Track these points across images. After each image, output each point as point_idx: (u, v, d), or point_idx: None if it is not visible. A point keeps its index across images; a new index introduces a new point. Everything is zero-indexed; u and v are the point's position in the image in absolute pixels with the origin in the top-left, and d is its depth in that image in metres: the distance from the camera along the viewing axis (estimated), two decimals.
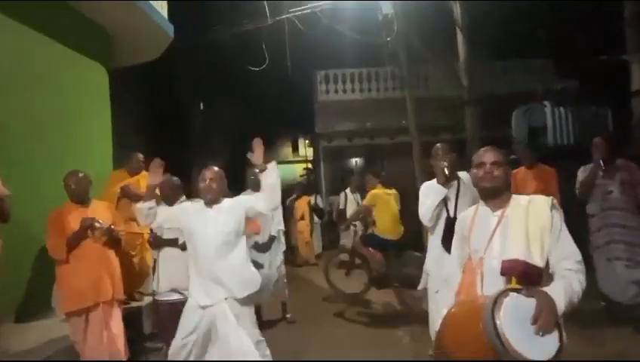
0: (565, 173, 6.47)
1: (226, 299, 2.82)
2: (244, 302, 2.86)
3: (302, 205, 8.89)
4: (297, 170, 26.71)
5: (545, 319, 1.59)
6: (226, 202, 2.97)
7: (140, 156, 4.72)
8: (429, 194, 3.21)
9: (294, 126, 24.60)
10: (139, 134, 9.98)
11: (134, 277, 4.38)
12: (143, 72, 10.52)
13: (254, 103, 21.74)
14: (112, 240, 3.39)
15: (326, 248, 9.26)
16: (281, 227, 4.94)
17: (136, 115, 10.35)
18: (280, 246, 4.97)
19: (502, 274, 1.79)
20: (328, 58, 10.97)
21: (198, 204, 3.00)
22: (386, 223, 5.38)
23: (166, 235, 3.65)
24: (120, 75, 5.91)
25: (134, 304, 4.41)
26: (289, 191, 10.56)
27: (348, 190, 8.19)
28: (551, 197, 1.92)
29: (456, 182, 3.21)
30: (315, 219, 9.22)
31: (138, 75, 10.29)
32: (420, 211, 3.27)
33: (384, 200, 5.44)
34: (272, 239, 4.79)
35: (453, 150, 3.24)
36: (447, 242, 3.14)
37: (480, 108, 7.23)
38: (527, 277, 1.75)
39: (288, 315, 5.08)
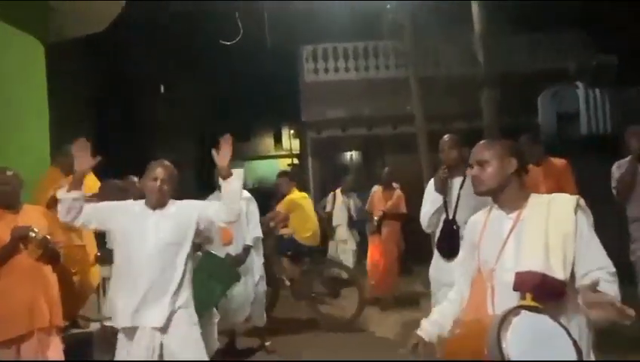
0: (601, 167, 6.56)
1: (157, 328, 2.76)
2: (185, 326, 2.82)
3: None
4: (281, 167, 26.79)
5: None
6: (173, 206, 2.92)
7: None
8: (429, 196, 3.48)
9: (276, 113, 24.59)
10: (84, 123, 9.89)
11: (76, 299, 4.33)
12: (89, 48, 10.47)
13: (227, 86, 21.68)
14: (49, 255, 3.34)
15: None
16: (259, 234, 4.93)
17: (82, 100, 10.25)
18: (258, 259, 4.97)
19: (515, 289, 1.78)
20: (317, 30, 10.98)
21: (138, 203, 2.96)
22: (305, 229, 5.96)
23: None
24: (60, 51, 5.85)
25: (77, 331, 4.38)
26: (270, 193, 10.55)
27: (338, 190, 8.21)
28: (577, 196, 1.91)
29: (462, 178, 3.40)
30: None
31: (83, 51, 10.23)
32: (420, 214, 3.56)
33: (301, 205, 5.98)
34: (247, 250, 4.76)
35: (463, 143, 3.41)
36: (443, 246, 3.46)
37: (499, 91, 7.29)
38: (546, 292, 1.74)
39: (267, 343, 5.07)
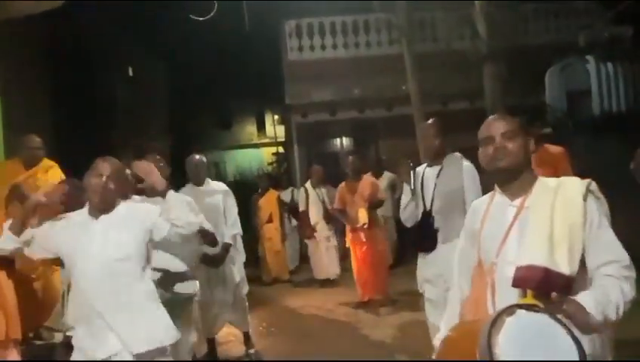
0: (615, 148, 6.61)
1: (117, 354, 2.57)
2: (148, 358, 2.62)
3: (269, 203, 8.85)
4: (264, 157, 26.68)
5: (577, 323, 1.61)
6: (122, 209, 2.75)
7: (36, 140, 4.60)
8: (405, 188, 3.66)
9: (259, 97, 24.48)
10: (40, 111, 9.76)
11: (38, 308, 4.30)
12: (44, 26, 10.31)
13: (202, 68, 21.52)
14: (4, 260, 3.32)
15: (305, 260, 9.28)
16: (238, 230, 4.92)
17: (38, 85, 10.11)
18: (238, 257, 4.95)
19: (514, 285, 1.78)
20: (300, 3, 10.91)
21: (79, 213, 2.77)
22: None
23: None
24: (11, 30, 5.75)
25: (39, 343, 4.35)
26: (252, 187, 10.51)
27: (308, 183, 8.20)
28: (588, 180, 1.88)
29: (439, 167, 3.57)
30: (293, 221, 9.20)
31: (37, 30, 10.06)
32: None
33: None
34: (226, 248, 4.73)
35: (443, 130, 3.60)
36: (418, 239, 3.64)
37: (503, 67, 7.32)
38: (548, 289, 1.72)
39: (252, 351, 5.06)
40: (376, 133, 11.84)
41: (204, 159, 5.00)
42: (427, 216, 3.55)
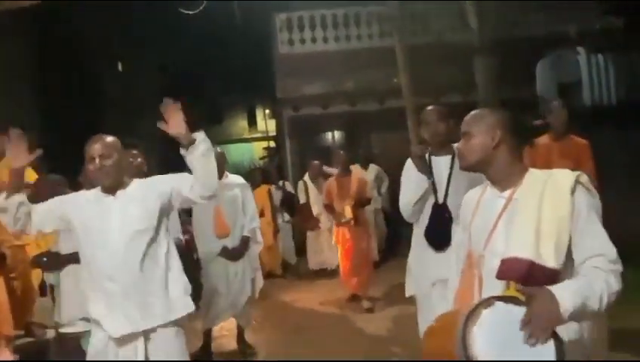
0: (605, 142, 6.66)
1: (143, 331, 2.65)
2: (171, 332, 2.71)
3: (260, 198, 8.81)
4: (256, 151, 26.62)
5: (535, 324, 1.56)
6: (135, 186, 2.78)
7: (15, 132, 4.53)
8: (409, 181, 3.30)
9: (249, 91, 24.41)
10: (27, 106, 9.68)
11: (20, 305, 4.27)
12: (32, 20, 10.21)
13: (192, 61, 21.40)
14: None
15: (301, 254, 9.31)
16: (257, 223, 5.00)
17: (25, 80, 10.02)
18: (256, 248, 5.02)
19: (498, 277, 1.77)
20: None
21: (92, 192, 2.79)
22: None
23: (64, 249, 3.57)
24: None
25: (31, 340, 4.34)
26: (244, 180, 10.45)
27: (306, 176, 8.22)
28: (577, 172, 1.86)
29: (450, 157, 3.27)
30: (285, 216, 9.20)
31: (24, 24, 9.97)
32: (400, 202, 3.39)
33: None
34: (245, 242, 4.81)
35: (451, 114, 3.30)
36: (432, 234, 3.30)
37: (495, 59, 7.34)
38: (534, 282, 1.70)
39: (245, 346, 5.07)
40: (368, 127, 11.83)
41: (225, 153, 5.06)
42: (441, 209, 3.26)
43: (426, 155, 3.35)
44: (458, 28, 8.61)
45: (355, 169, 6.58)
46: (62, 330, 3.41)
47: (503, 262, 1.77)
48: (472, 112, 2.04)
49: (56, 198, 2.85)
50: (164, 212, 2.75)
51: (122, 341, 2.63)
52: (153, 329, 2.66)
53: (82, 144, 2.76)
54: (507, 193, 1.91)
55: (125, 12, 14.52)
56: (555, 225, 1.76)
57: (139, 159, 4.05)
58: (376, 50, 10.84)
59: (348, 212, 6.21)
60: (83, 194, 2.84)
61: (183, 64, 21.58)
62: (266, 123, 22.81)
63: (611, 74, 7.21)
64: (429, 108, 3.38)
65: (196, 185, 2.67)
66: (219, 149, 4.96)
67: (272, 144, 21.16)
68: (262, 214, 8.75)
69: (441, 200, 3.26)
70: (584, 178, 1.85)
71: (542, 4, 11.64)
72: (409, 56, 8.07)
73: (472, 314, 1.59)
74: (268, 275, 8.68)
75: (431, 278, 3.24)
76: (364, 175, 6.61)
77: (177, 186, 2.74)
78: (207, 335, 4.91)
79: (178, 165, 4.94)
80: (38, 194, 3.37)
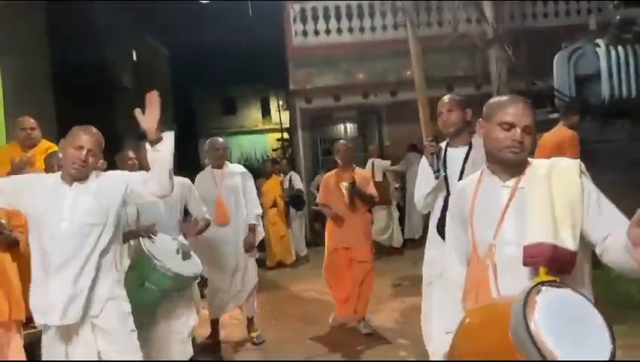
0: (622, 135, 6.57)
1: (84, 324, 2.68)
2: (112, 330, 2.73)
3: (272, 188, 8.88)
4: (269, 142, 26.67)
5: None
6: (94, 179, 2.79)
7: (30, 121, 4.65)
8: (423, 174, 3.34)
9: (263, 82, 24.44)
10: (42, 97, 9.77)
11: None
12: (46, 10, 10.28)
13: (207, 52, 21.42)
14: (7, 241, 3.34)
15: (313, 245, 9.34)
16: (260, 210, 5.10)
17: (40, 70, 10.10)
18: (258, 236, 5.09)
19: (525, 263, 1.80)
20: None
21: (52, 177, 2.84)
22: None
23: None
24: (12, 13, 5.74)
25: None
26: (256, 172, 10.51)
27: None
28: (577, 160, 1.93)
29: (467, 148, 3.25)
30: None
31: (39, 14, 10.04)
32: (414, 194, 3.45)
33: None
34: (253, 230, 4.90)
35: (466, 104, 3.29)
36: (443, 226, 3.24)
37: (510, 51, 7.25)
38: (557, 264, 1.75)
39: (254, 334, 5.10)
40: (380, 119, 11.80)
41: (227, 143, 5.13)
42: None
43: (443, 147, 3.34)
44: (473, 19, 8.53)
45: (358, 168, 5.48)
46: None
47: (527, 247, 1.79)
48: (520, 101, 1.95)
49: (17, 177, 2.92)
50: (116, 208, 2.77)
51: (68, 331, 2.68)
52: (98, 318, 2.70)
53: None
54: (511, 182, 1.93)
55: (141, 2, 14.57)
56: (569, 209, 1.81)
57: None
58: (390, 41, 10.81)
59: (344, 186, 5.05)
60: (43, 179, 2.87)
61: (196, 54, 21.62)
62: (279, 114, 22.85)
63: (631, 67, 7.08)
64: (444, 98, 3.36)
65: (151, 182, 2.72)
66: (221, 139, 4.99)
67: (286, 136, 21.17)
68: (274, 204, 8.81)
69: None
70: (583, 166, 1.91)
71: None
72: (422, 47, 8.01)
73: (527, 301, 1.59)
74: (278, 265, 8.74)
75: (437, 272, 3.25)
76: (368, 172, 5.71)
77: (131, 183, 2.78)
78: (215, 324, 4.95)
79: (187, 156, 5.00)
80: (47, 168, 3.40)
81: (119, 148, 4.47)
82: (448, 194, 3.22)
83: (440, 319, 2.14)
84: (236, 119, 28.45)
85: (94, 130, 2.78)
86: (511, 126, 1.89)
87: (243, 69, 22.50)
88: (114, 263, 2.80)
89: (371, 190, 5.13)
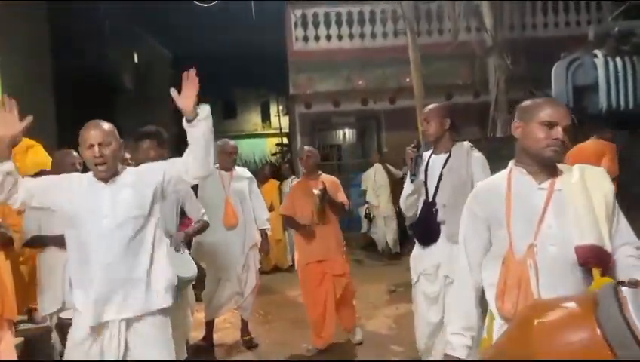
0: (620, 145, 6.56)
1: (125, 319, 2.59)
2: (153, 321, 2.65)
3: (269, 192, 8.86)
4: (269, 147, 26.64)
5: None
6: (129, 174, 2.73)
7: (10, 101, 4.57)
8: (407, 183, 3.45)
9: (264, 86, 24.47)
10: (43, 97, 9.77)
11: (25, 292, 4.30)
12: (48, 10, 10.29)
13: (208, 55, 21.43)
14: (1, 240, 3.33)
15: None
16: (268, 215, 5.16)
17: (40, 70, 10.10)
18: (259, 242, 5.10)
19: (582, 264, 1.85)
20: None
21: (86, 176, 2.73)
22: None
23: (44, 230, 3.62)
24: (12, 13, 5.74)
25: (32, 326, 4.37)
26: (255, 175, 10.48)
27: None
28: (602, 168, 2.05)
29: (445, 155, 3.38)
30: None
31: (40, 15, 10.05)
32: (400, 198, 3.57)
33: None
34: (265, 234, 5.00)
35: (451, 114, 3.42)
36: (419, 230, 3.46)
37: (509, 60, 7.26)
38: (604, 266, 1.83)
39: (247, 337, 5.08)
40: (379, 125, 11.81)
41: (237, 146, 5.14)
42: (430, 206, 3.35)
43: (425, 154, 3.47)
44: (473, 28, 8.56)
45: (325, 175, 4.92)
46: (62, 315, 3.43)
47: (582, 249, 1.84)
48: (559, 102, 2.03)
49: (49, 177, 2.81)
50: (156, 199, 2.71)
51: (102, 329, 2.59)
52: (135, 319, 2.62)
53: None
54: (546, 184, 1.97)
55: (143, 3, 14.60)
56: (605, 213, 1.90)
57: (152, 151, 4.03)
58: (390, 48, 10.85)
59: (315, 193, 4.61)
60: (76, 178, 2.76)
61: (197, 57, 21.62)
62: (279, 119, 22.86)
63: (629, 78, 7.07)
64: (427, 107, 3.50)
65: (192, 163, 2.61)
66: (232, 142, 5.00)
67: (285, 140, 21.17)
68: (271, 209, 8.78)
69: (431, 198, 3.37)
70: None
71: (561, 6, 11.55)
72: (422, 55, 8.03)
73: (619, 299, 1.56)
74: (274, 269, 8.71)
75: (417, 270, 3.47)
76: (335, 179, 4.94)
77: (169, 169, 2.71)
78: (210, 326, 4.93)
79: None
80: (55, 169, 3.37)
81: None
82: (427, 198, 3.38)
83: (447, 318, 2.13)
84: (236, 123, 28.45)
85: (100, 121, 2.66)
86: (553, 124, 1.92)
87: (244, 72, 22.54)
88: (164, 255, 2.74)
89: (342, 197, 4.77)
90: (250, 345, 5.02)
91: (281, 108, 23.75)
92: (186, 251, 3.60)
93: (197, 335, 4.96)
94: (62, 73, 11.16)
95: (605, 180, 1.95)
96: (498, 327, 1.98)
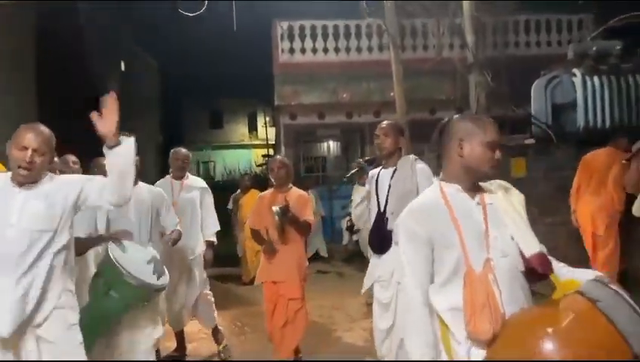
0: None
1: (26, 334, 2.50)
2: (61, 330, 2.57)
3: (250, 203, 8.80)
4: (254, 158, 26.62)
5: None
6: (47, 183, 2.60)
7: None
8: (354, 193, 3.76)
9: (251, 97, 24.49)
10: (27, 105, 9.68)
11: None
12: (33, 17, 10.22)
13: (196, 65, 21.46)
14: None
15: None
16: (218, 227, 5.06)
17: (25, 78, 10.02)
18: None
19: (544, 272, 1.92)
20: (294, 4, 10.93)
21: (2, 177, 2.63)
22: None
23: None
24: None
25: None
26: (236, 187, 10.50)
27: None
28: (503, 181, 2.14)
29: (393, 169, 3.63)
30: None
31: (25, 21, 9.99)
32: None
33: None
34: (210, 246, 4.89)
35: (401, 131, 3.74)
36: (372, 239, 3.70)
37: (489, 77, 7.34)
38: (551, 273, 1.93)
39: (221, 347, 5.03)
40: (364, 138, 11.87)
41: (190, 155, 5.03)
42: (381, 216, 3.60)
43: (375, 170, 3.78)
44: (456, 45, 8.66)
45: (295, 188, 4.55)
46: None
47: (536, 258, 1.92)
48: (492, 122, 2.09)
49: None
50: (68, 214, 2.60)
51: (10, 341, 2.49)
52: (41, 328, 2.53)
53: (83, 142, 2.66)
54: (479, 199, 2.03)
55: (131, 13, 14.58)
56: (526, 223, 2.00)
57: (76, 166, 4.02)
58: (375, 62, 10.96)
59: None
60: None
61: (186, 67, 21.60)
62: (266, 130, 22.88)
63: (606, 97, 7.18)
64: (381, 123, 3.73)
65: (108, 189, 2.56)
66: (184, 150, 4.95)
67: (271, 152, 21.17)
68: None
69: (382, 209, 3.62)
70: None
71: (543, 25, 11.75)
72: (406, 70, 8.10)
73: (621, 294, 1.73)
74: (253, 281, 8.64)
75: (373, 276, 3.68)
76: (305, 194, 4.63)
77: (87, 189, 2.61)
78: (179, 336, 4.89)
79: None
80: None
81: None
82: (378, 209, 3.64)
83: (409, 338, 2.05)
84: (223, 133, 28.42)
85: (41, 127, 2.57)
86: (495, 145, 1.99)
87: (232, 83, 22.58)
88: (65, 271, 2.64)
89: (308, 215, 4.30)
90: (224, 355, 4.97)
91: (268, 119, 23.76)
92: (158, 257, 3.55)
93: (171, 345, 4.92)
94: (46, 80, 11.06)
95: (517, 193, 2.07)
96: (465, 353, 1.92)
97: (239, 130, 28.93)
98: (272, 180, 4.44)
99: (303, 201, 4.37)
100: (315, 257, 10.31)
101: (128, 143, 2.53)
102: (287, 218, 4.10)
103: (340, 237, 10.07)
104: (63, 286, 2.63)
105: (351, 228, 9.71)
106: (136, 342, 3.51)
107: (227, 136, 28.31)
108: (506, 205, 2.00)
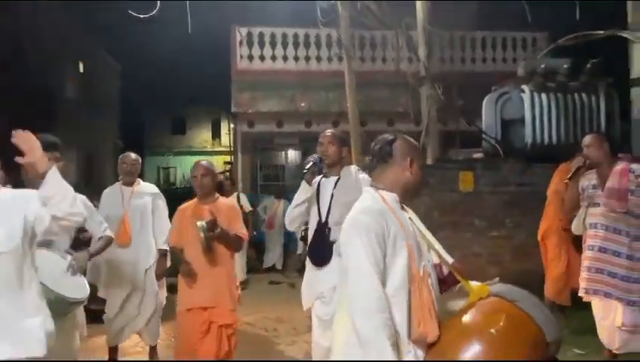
0: (542, 178, 6.73)
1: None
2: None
3: None
4: (217, 165, 26.33)
5: None
6: (1, 196, 2.37)
7: None
8: (300, 191, 3.56)
9: (214, 103, 24.22)
10: None
11: None
12: None
13: (157, 69, 21.11)
14: None
15: (255, 270, 9.22)
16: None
17: None
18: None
19: (468, 278, 2.06)
20: (253, 9, 10.86)
21: None
22: None
23: None
24: None
25: None
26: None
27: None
28: None
29: (336, 178, 3.51)
30: None
31: None
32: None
33: None
34: (164, 255, 4.66)
35: (345, 141, 3.63)
36: (315, 252, 3.48)
37: (440, 90, 7.38)
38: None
39: None
40: None
41: (140, 159, 4.87)
42: (322, 227, 3.46)
43: (316, 178, 3.62)
44: (411, 58, 8.71)
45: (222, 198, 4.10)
46: None
47: (455, 266, 2.10)
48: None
49: None
50: (29, 232, 2.33)
51: None
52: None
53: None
54: (408, 213, 2.20)
55: (90, 13, 14.26)
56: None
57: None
58: (334, 72, 10.89)
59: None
60: None
61: (150, 71, 21.26)
62: (229, 137, 22.65)
63: (553, 114, 7.30)
64: (325, 131, 3.65)
65: (57, 219, 2.33)
66: (133, 155, 4.79)
67: (232, 159, 20.99)
68: None
69: (324, 219, 3.47)
70: None
71: (498, 42, 11.98)
72: (365, 82, 8.10)
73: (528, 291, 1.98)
74: None
75: (315, 293, 3.47)
76: (234, 204, 4.42)
77: (34, 206, 2.33)
78: (114, 351, 4.70)
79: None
80: None
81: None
82: (319, 219, 3.49)
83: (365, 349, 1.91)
84: (185, 139, 28.06)
85: None
86: (423, 165, 2.29)
87: (196, 89, 22.31)
88: (39, 293, 2.45)
89: (239, 228, 3.87)
90: None
91: (232, 126, 23.55)
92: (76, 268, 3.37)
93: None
94: (1, 83, 10.71)
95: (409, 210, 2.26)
96: (412, 357, 1.95)
97: (202, 137, 28.62)
98: (196, 189, 3.88)
99: (234, 214, 3.91)
100: (269, 268, 10.21)
101: (53, 175, 2.30)
102: (215, 234, 3.59)
103: (295, 247, 9.98)
104: (43, 308, 2.49)
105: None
106: (53, 356, 3.33)
107: (189, 142, 27.96)
108: (417, 219, 2.18)
